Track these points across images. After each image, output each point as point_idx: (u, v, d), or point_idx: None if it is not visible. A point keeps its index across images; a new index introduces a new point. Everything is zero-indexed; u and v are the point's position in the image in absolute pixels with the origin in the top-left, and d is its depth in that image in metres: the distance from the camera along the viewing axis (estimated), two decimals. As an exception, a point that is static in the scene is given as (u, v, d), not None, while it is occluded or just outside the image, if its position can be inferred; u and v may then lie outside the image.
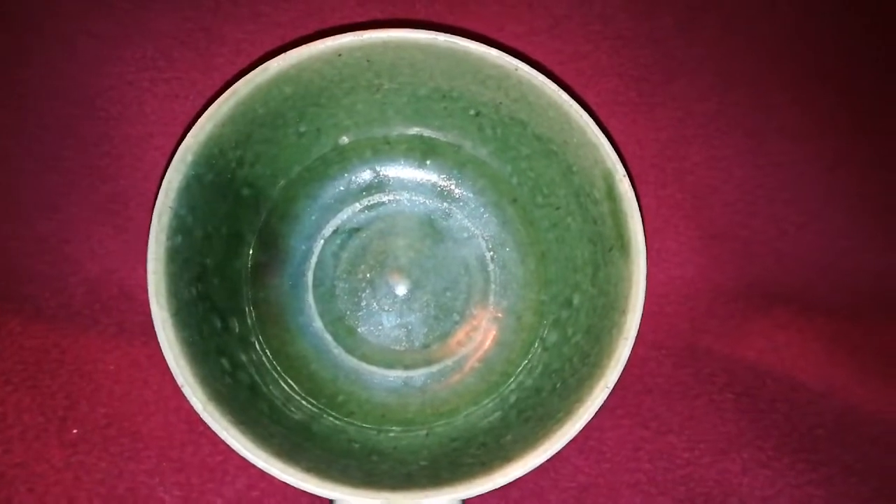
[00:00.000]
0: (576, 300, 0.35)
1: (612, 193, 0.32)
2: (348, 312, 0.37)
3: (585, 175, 0.33)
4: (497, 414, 0.34)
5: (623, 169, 0.31)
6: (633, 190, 0.31)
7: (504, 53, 0.32)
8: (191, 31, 0.36)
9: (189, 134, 0.29)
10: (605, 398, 0.28)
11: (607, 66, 0.41)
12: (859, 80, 0.41)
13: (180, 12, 0.36)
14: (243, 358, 0.33)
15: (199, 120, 0.30)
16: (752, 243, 0.41)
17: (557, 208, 0.36)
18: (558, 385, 0.33)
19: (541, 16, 0.41)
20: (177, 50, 0.37)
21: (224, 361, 0.32)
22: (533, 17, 0.41)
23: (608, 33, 0.42)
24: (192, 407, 0.28)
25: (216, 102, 0.30)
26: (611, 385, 0.29)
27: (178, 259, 0.30)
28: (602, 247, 0.33)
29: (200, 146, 0.30)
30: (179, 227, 0.30)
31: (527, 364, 0.35)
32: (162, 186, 0.29)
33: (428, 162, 0.38)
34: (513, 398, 0.35)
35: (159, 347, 0.28)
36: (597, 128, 0.31)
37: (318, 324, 0.37)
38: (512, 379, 0.36)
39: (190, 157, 0.30)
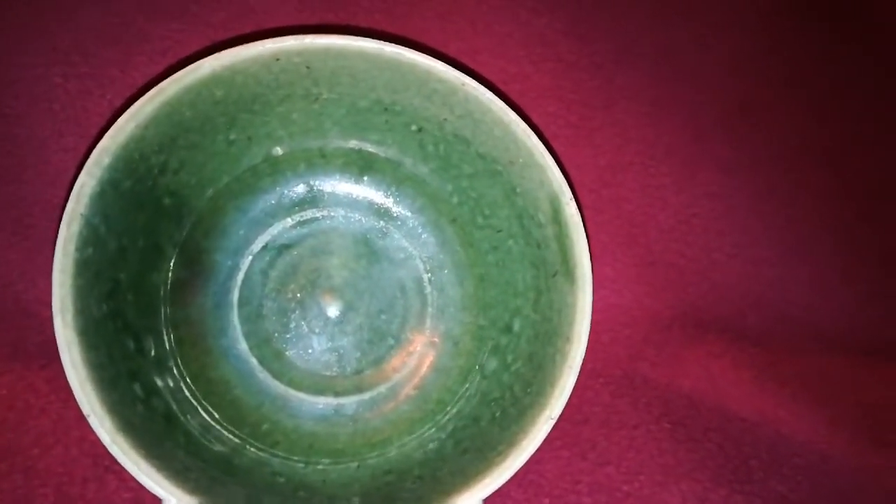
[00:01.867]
0: (516, 326, 0.34)
1: (558, 217, 0.31)
2: (276, 334, 0.35)
3: (530, 197, 0.32)
4: (433, 444, 0.33)
5: (570, 192, 0.30)
6: (580, 214, 0.30)
7: (451, 68, 0.30)
8: (111, 25, 0.33)
9: (107, 134, 0.27)
10: (549, 430, 0.27)
11: (549, 89, 0.41)
12: (790, 114, 0.42)
13: (100, 3, 0.33)
14: (159, 383, 0.30)
15: (119, 119, 0.27)
16: (687, 272, 0.41)
17: (499, 231, 0.35)
18: (498, 414, 0.31)
19: (483, 33, 0.40)
20: (93, 44, 0.34)
21: (137, 387, 0.29)
22: (475, 34, 0.40)
23: (550, 56, 0.41)
24: (97, 438, 0.25)
25: (139, 101, 0.27)
26: (555, 416, 0.28)
27: (88, 272, 0.27)
28: (545, 272, 0.32)
29: (119, 148, 0.27)
30: (91, 238, 0.27)
31: (465, 392, 0.34)
32: (73, 191, 0.26)
33: (365, 178, 0.36)
34: (450, 427, 0.33)
35: (62, 370, 0.25)
36: (544, 149, 0.30)
37: (242, 346, 0.34)
38: (449, 407, 0.34)
39: (106, 160, 0.27)
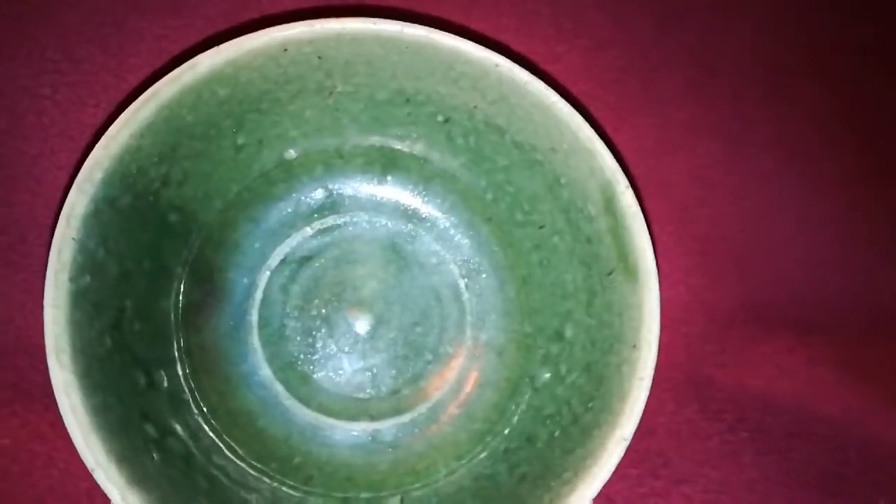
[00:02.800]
0: (568, 332, 0.30)
1: (612, 208, 0.27)
2: (301, 356, 0.32)
3: (577, 188, 0.28)
4: (485, 471, 0.29)
5: (625, 179, 0.27)
6: (638, 203, 0.26)
7: (481, 47, 0.27)
8: (100, 26, 0.30)
9: (98, 145, 0.24)
10: (622, 453, 0.24)
11: (582, 68, 0.37)
12: (846, 83, 0.38)
13: (87, 2, 0.30)
14: (174, 421, 0.27)
15: (111, 128, 0.24)
16: (744, 259, 0.38)
17: (541, 227, 0.31)
18: (557, 434, 0.28)
19: (508, 12, 0.37)
20: (83, 48, 0.30)
21: (149, 428, 0.25)
22: (499, 13, 0.36)
23: (581, 32, 0.38)
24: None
25: (132, 106, 0.24)
26: (628, 437, 0.24)
27: (87, 304, 0.24)
28: (599, 270, 0.29)
29: (113, 161, 0.24)
30: (87, 264, 0.24)
31: (515, 408, 0.31)
32: (62, 213, 0.23)
33: (389, 177, 0.33)
34: (502, 449, 0.30)
35: (66, 415, 0.22)
36: (593, 133, 0.27)
37: (265, 371, 0.31)
38: (499, 426, 0.31)
39: (99, 175, 0.24)
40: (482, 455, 0.30)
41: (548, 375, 0.30)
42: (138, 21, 0.31)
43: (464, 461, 0.30)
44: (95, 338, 0.24)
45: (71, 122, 0.30)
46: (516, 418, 0.30)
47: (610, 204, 0.27)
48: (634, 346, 0.26)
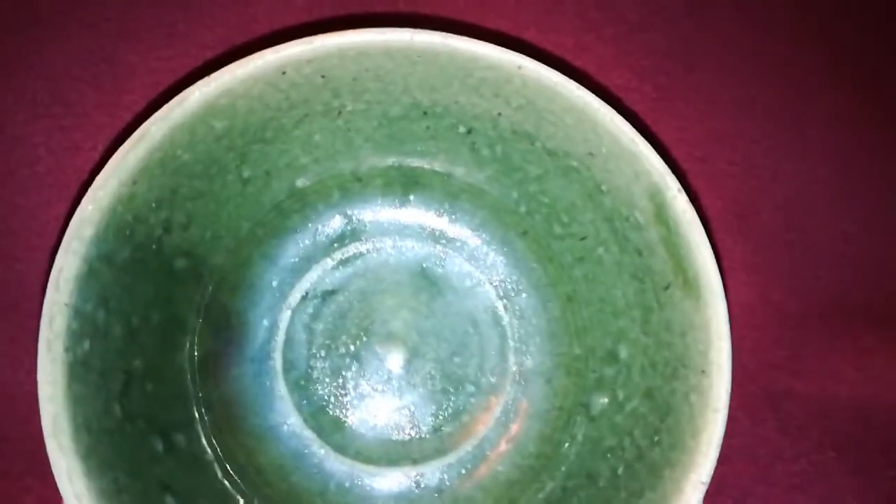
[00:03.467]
0: (623, 353, 0.27)
1: (662, 216, 0.24)
2: (332, 399, 0.29)
3: (621, 194, 0.25)
4: (543, 515, 0.26)
5: (676, 183, 0.23)
6: (694, 208, 0.23)
7: (502, 49, 0.24)
8: (89, 64, 0.28)
9: (85, 199, 0.21)
10: (701, 498, 0.21)
11: (614, 58, 0.34)
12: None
13: (73, 39, 0.28)
14: (198, 488, 0.25)
15: (97, 178, 0.21)
16: (813, 251, 0.34)
17: (583, 238, 0.28)
18: (620, 471, 0.25)
19: (527, 5, 0.34)
20: (74, 89, 0.28)
21: (170, 500, 0.23)
22: (518, 7, 0.33)
23: (609, 18, 0.34)
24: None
25: (119, 152, 0.22)
26: (706, 480, 0.21)
27: (89, 373, 0.21)
28: (653, 284, 0.25)
29: (104, 214, 0.22)
30: (85, 330, 0.21)
31: (570, 441, 0.28)
32: (50, 278, 0.21)
33: (411, 197, 0.30)
34: (560, 489, 0.27)
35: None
36: (635, 133, 0.24)
37: (294, 419, 0.29)
38: (554, 462, 0.28)
39: (89, 232, 0.21)
40: (539, 496, 0.27)
41: (604, 402, 0.27)
42: (129, 54, 0.28)
43: (519, 505, 0.27)
44: (101, 409, 0.22)
45: (67, 169, 0.28)
46: (573, 452, 0.27)
47: (660, 212, 0.24)
48: (703, 372, 0.22)
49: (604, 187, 0.26)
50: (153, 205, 0.24)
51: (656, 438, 0.24)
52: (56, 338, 0.20)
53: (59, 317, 0.21)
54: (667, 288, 0.25)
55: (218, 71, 0.22)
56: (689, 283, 0.23)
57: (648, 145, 0.24)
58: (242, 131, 0.25)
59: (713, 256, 0.23)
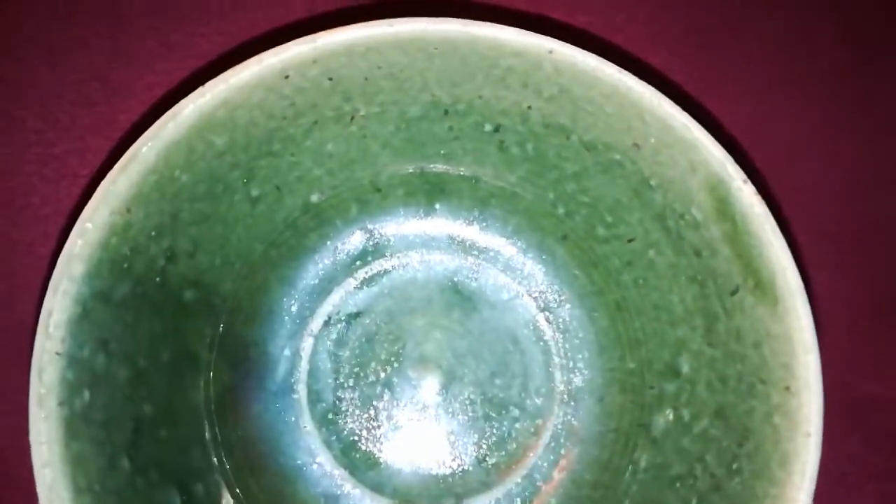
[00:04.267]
0: (684, 367, 0.24)
1: (726, 211, 0.21)
2: (364, 433, 0.26)
3: (674, 189, 0.22)
4: (606, 555, 0.23)
5: (741, 172, 0.20)
6: (763, 202, 0.20)
7: (528, 33, 0.21)
8: (81, 84, 0.26)
9: (73, 232, 0.19)
10: (798, 540, 0.17)
11: (650, 37, 0.31)
12: None
13: (62, 61, 0.26)
14: (222, 543, 0.22)
15: (85, 209, 0.19)
16: (885, 240, 0.31)
17: (630, 240, 0.25)
18: (693, 502, 0.22)
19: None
20: (66, 112, 0.26)
21: (191, 561, 0.21)
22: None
23: (640, -5, 0.31)
24: None
25: (108, 177, 0.19)
26: (803, 518, 0.18)
27: (91, 428, 0.19)
28: (717, 288, 0.22)
29: (95, 248, 0.19)
30: (83, 378, 0.19)
31: (632, 468, 0.25)
32: (39, 324, 0.18)
33: (437, 206, 0.27)
34: (622, 525, 0.24)
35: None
36: (689, 118, 0.21)
37: (323, 458, 0.26)
38: (615, 493, 0.25)
39: (80, 270, 0.19)
40: (600, 533, 0.24)
41: (666, 422, 0.24)
42: (122, 72, 0.26)
43: (578, 543, 0.24)
44: (106, 466, 0.19)
45: (63, 198, 0.26)
46: (636, 481, 0.24)
47: (723, 206, 0.21)
48: (788, 389, 0.19)
49: (653, 182, 0.23)
50: (152, 233, 0.21)
51: (735, 466, 0.21)
52: (48, 392, 0.18)
53: (51, 367, 0.18)
54: (734, 292, 0.22)
55: (211, 80, 0.20)
56: (763, 287, 0.20)
57: (704, 131, 0.21)
58: (246, 145, 0.23)
59: (791, 255, 0.20)
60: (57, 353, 0.18)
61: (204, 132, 0.21)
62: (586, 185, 0.25)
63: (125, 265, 0.20)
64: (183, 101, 0.20)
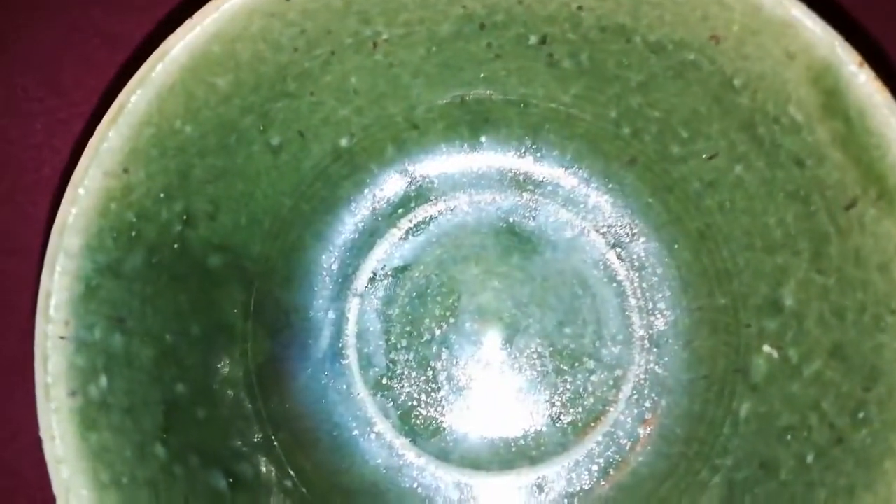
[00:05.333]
0: (788, 299, 0.20)
1: (836, 106, 0.17)
2: (423, 397, 0.24)
3: (765, 87, 0.18)
4: (707, 520, 0.20)
5: (855, 54, 0.16)
6: (887, 90, 0.16)
7: None
8: (80, 42, 0.24)
9: (64, 201, 0.17)
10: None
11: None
12: None
13: (60, 15, 0.23)
14: (275, 528, 0.20)
15: (75, 173, 0.17)
16: None
17: (712, 157, 0.21)
18: (810, 459, 0.19)
19: None
20: (68, 73, 0.24)
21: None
22: None
23: None
24: None
25: (95, 134, 0.17)
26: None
27: (112, 416, 0.17)
28: (826, 203, 0.19)
29: (93, 217, 0.17)
30: (97, 363, 0.17)
31: (731, 420, 0.21)
32: (38, 307, 0.16)
33: (482, 139, 0.24)
34: (724, 485, 0.21)
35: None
36: (782, -10, 0.17)
37: (380, 427, 0.24)
38: (711, 448, 0.21)
39: (77, 242, 0.17)
40: (699, 494, 0.21)
41: (768, 366, 0.21)
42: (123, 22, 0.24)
43: (672, 508, 0.21)
44: (136, 456, 0.18)
45: (45, 164, 0.24)
46: (737, 434, 0.21)
47: (832, 100, 0.17)
48: (929, 321, 0.16)
49: (737, 82, 0.19)
50: (160, 195, 0.19)
51: (861, 415, 0.17)
52: (56, 381, 0.16)
53: (56, 355, 0.16)
54: (850, 206, 0.18)
55: (201, 10, 0.17)
56: (890, 196, 0.16)
57: (803, 5, 0.17)
58: (255, 86, 0.20)
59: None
60: (61, 338, 0.16)
61: (201, 73, 0.18)
62: (655, 96, 0.21)
63: (132, 234, 0.18)
64: (170, 38, 0.17)
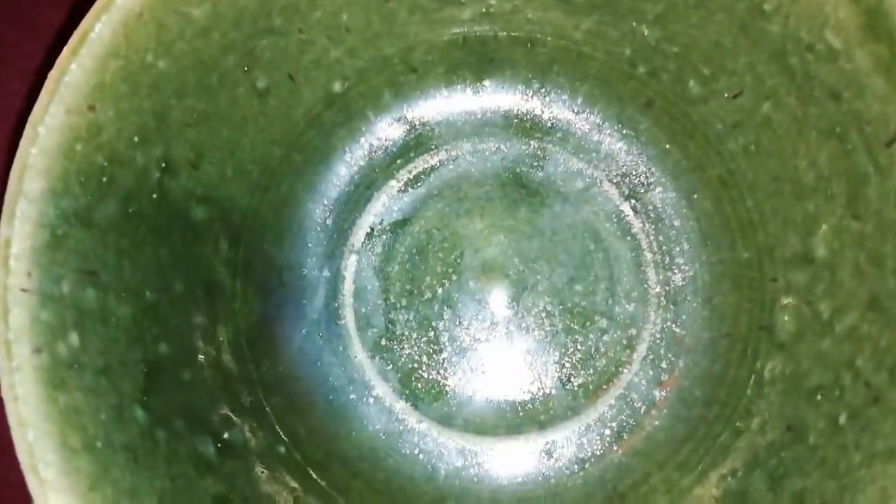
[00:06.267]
0: (820, 249, 0.19)
1: (878, 27, 0.15)
2: (424, 359, 0.23)
3: (797, 10, 0.17)
4: (730, 485, 0.19)
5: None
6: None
7: None
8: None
9: (23, 140, 0.15)
10: None
11: None
12: None
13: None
14: (266, 495, 0.19)
15: (35, 109, 0.15)
16: None
17: (736, 95, 0.20)
18: (843, 420, 0.17)
19: None
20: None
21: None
22: None
23: None
24: None
25: (56, 67, 0.15)
26: None
27: (83, 376, 0.16)
28: (864, 140, 0.17)
29: (56, 158, 0.15)
30: (66, 318, 0.16)
31: (756, 380, 0.20)
32: (-5, 256, 0.15)
33: (486, 82, 0.22)
34: (749, 447, 0.19)
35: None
36: None
37: (379, 390, 0.22)
38: (733, 411, 0.20)
39: (39, 186, 0.15)
40: (722, 461, 0.20)
41: (797, 321, 0.19)
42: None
43: (693, 472, 0.20)
44: (113, 419, 0.16)
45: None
46: (762, 396, 0.19)
47: (875, 20, 0.15)
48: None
49: (767, 6, 0.17)
50: (135, 139, 0.17)
51: (902, 370, 0.16)
52: (18, 337, 0.15)
53: (18, 308, 0.15)
54: (892, 141, 0.16)
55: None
56: (942, 124, 0.15)
57: None
58: (237, 20, 0.18)
59: None
60: (23, 290, 0.15)
61: (174, 2, 0.16)
62: (674, 29, 0.20)
63: (104, 179, 0.17)
64: (136, -42, 0.15)
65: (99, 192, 0.17)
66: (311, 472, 0.20)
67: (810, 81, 0.18)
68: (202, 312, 0.20)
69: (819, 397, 0.18)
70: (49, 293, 0.15)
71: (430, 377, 0.22)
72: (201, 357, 0.20)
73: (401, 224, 0.23)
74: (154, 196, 0.18)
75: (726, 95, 0.20)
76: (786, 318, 0.20)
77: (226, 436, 0.20)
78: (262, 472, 0.20)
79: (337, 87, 0.22)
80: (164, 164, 0.18)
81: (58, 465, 0.14)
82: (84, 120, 0.16)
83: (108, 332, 0.17)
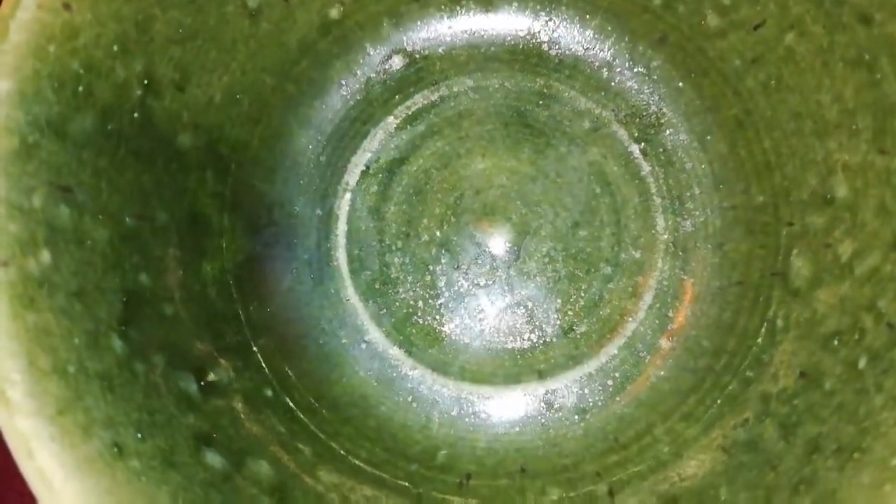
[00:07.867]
0: (840, 190, 0.18)
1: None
2: (420, 304, 0.22)
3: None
4: (739, 435, 0.18)
5: None
6: None
7: None
8: None
9: (-10, 37, 0.14)
10: None
11: None
12: None
13: None
14: (253, 434, 0.18)
15: (4, 4, 0.14)
16: None
17: (757, 26, 0.18)
18: (862, 364, 0.16)
19: None
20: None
21: (212, 458, 0.17)
22: None
23: None
24: None
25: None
26: None
27: (54, 297, 0.15)
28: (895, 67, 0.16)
29: (25, 56, 0.14)
30: (38, 234, 0.15)
31: (768, 328, 0.19)
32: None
33: (490, 13, 0.21)
34: (759, 396, 0.18)
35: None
36: None
37: (373, 335, 0.21)
38: (743, 359, 0.19)
39: (7, 86, 0.14)
40: (728, 409, 0.19)
41: (812, 267, 0.18)
42: None
43: (699, 423, 0.19)
44: (87, 344, 0.15)
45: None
46: (773, 344, 0.19)
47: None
48: None
49: (796, -78, 0.16)
50: (114, 48, 0.16)
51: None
52: (-19, 256, 0.14)
53: (-16, 218, 0.14)
54: (928, 64, 0.15)
55: None
56: None
57: None
58: (226, -75, 0.17)
59: None
60: (-11, 198, 0.14)
61: None
62: (693, -47, 0.18)
63: (79, 88, 0.15)
64: None
65: (74, 102, 0.15)
66: (301, 415, 0.19)
67: (840, 6, 0.16)
68: (186, 246, 0.19)
69: (836, 342, 0.17)
70: (18, 204, 0.14)
71: (426, 323, 0.21)
72: (184, 292, 0.19)
73: (398, 162, 0.22)
74: (135, 115, 0.17)
75: (747, 27, 0.19)
76: (801, 262, 0.19)
77: (210, 374, 0.19)
78: (248, 414, 0.19)
79: (333, 13, 0.20)
80: (146, 81, 0.17)
81: (24, 385, 0.13)
82: (59, 19, 0.15)
83: (83, 255, 0.16)
